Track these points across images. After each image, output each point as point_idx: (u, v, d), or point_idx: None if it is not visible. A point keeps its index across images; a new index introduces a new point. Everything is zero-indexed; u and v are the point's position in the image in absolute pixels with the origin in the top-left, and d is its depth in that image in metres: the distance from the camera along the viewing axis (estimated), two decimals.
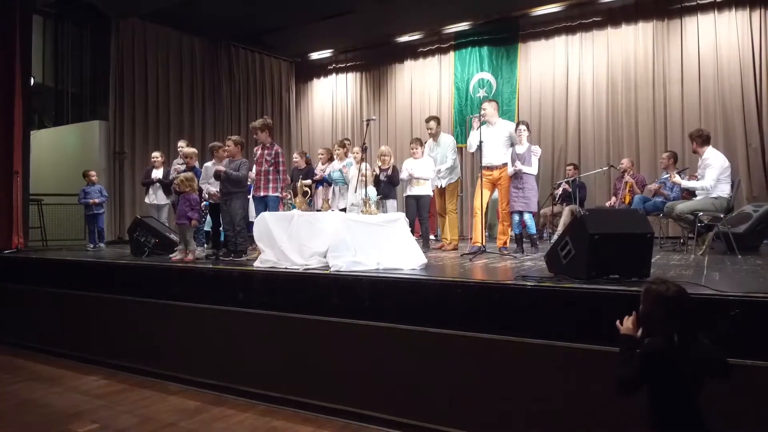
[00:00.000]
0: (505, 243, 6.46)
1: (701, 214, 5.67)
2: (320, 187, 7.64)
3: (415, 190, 6.88)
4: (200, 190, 6.21)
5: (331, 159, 7.59)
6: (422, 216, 6.83)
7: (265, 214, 5.12)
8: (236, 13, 9.97)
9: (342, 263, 4.36)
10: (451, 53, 11.13)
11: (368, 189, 5.85)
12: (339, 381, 3.91)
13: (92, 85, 10.74)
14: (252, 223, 5.45)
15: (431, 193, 6.91)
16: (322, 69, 12.98)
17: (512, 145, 6.41)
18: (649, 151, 9.13)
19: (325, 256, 4.60)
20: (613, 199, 7.94)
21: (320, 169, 7.71)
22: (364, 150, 6.43)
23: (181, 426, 3.81)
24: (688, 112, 8.90)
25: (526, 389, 3.24)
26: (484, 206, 6.42)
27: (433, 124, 7.35)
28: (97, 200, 7.93)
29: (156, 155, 7.86)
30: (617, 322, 2.28)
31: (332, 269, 4.33)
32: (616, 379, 2.14)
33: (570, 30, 9.93)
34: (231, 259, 5.66)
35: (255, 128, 5.97)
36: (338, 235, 4.59)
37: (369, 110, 11.95)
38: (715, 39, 8.70)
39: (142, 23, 10.03)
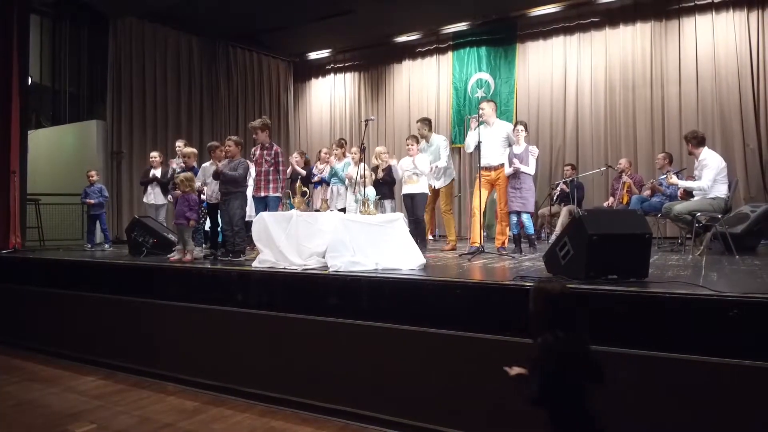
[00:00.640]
0: (503, 243, 6.46)
1: (699, 214, 5.69)
2: (319, 187, 7.64)
3: (409, 189, 6.68)
4: (200, 191, 6.21)
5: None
6: (417, 215, 6.68)
7: (264, 214, 5.12)
8: (234, 13, 9.96)
9: (340, 263, 4.36)
10: (450, 53, 11.13)
11: (367, 189, 5.85)
12: (338, 381, 3.91)
13: (90, 85, 10.74)
14: (251, 223, 5.45)
15: (427, 191, 6.77)
16: (320, 69, 12.97)
17: (510, 145, 6.41)
18: (646, 152, 9.15)
19: (323, 257, 4.59)
20: (611, 199, 7.96)
21: (318, 169, 7.70)
22: (362, 150, 6.42)
23: (180, 426, 3.80)
24: (685, 112, 8.92)
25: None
26: (483, 206, 6.42)
27: (419, 125, 7.33)
28: (93, 201, 7.91)
29: (154, 155, 7.85)
30: (505, 368, 2.33)
31: (331, 269, 4.33)
32: (527, 399, 2.22)
33: (568, 30, 9.95)
34: (229, 259, 5.65)
35: (255, 128, 5.96)
36: (337, 235, 4.59)
37: (367, 110, 11.95)
38: (713, 40, 8.72)
39: (139, 22, 10.01)
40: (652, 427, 2.89)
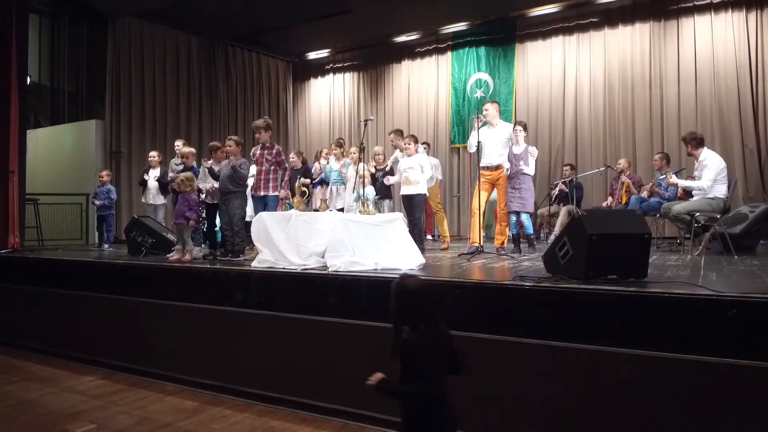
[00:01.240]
0: (502, 243, 6.47)
1: (698, 214, 5.69)
2: (318, 187, 7.64)
3: (407, 190, 6.60)
4: (199, 190, 6.20)
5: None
6: (414, 216, 6.64)
7: (263, 214, 5.12)
8: (233, 12, 9.95)
9: (340, 263, 4.36)
10: (449, 53, 11.13)
11: (366, 189, 5.85)
12: (337, 381, 3.91)
13: (89, 84, 10.72)
14: (250, 222, 5.45)
15: (425, 192, 6.74)
16: (319, 69, 12.97)
17: (510, 145, 6.42)
18: (645, 152, 9.15)
19: (323, 256, 4.60)
20: (610, 199, 7.97)
21: (317, 168, 7.70)
22: (361, 150, 6.43)
23: (179, 426, 3.80)
24: (684, 112, 8.93)
25: (524, 390, 3.24)
26: (482, 206, 6.42)
27: (392, 137, 7.27)
28: (97, 202, 7.94)
29: (153, 155, 7.85)
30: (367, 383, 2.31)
31: (330, 269, 4.33)
32: (414, 397, 2.24)
33: (567, 30, 9.96)
34: (228, 259, 5.65)
35: (258, 127, 5.94)
36: (336, 235, 4.59)
37: (366, 110, 11.95)
38: (712, 40, 8.74)
39: (138, 22, 10.00)
40: (651, 427, 2.89)
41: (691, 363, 2.80)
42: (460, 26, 10.86)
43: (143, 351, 5.01)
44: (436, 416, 2.24)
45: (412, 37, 11.43)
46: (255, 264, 4.85)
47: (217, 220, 6.33)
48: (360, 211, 5.19)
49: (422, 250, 6.00)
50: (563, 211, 8.13)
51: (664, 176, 6.76)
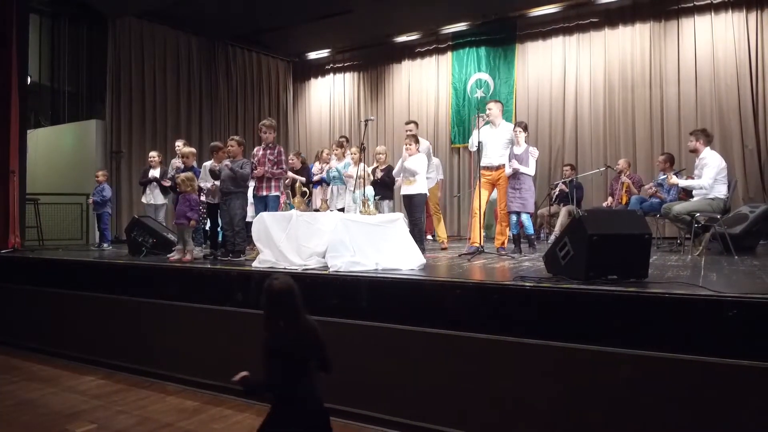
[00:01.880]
0: (503, 243, 6.47)
1: (698, 215, 5.70)
2: (318, 187, 7.64)
3: (407, 190, 6.57)
4: (200, 190, 6.20)
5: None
6: (414, 216, 6.64)
7: (264, 215, 5.12)
8: (233, 12, 9.95)
9: (341, 263, 4.37)
10: (449, 53, 11.13)
11: (366, 189, 5.85)
12: (337, 381, 3.90)
13: (89, 84, 10.72)
14: (251, 223, 5.45)
15: (425, 192, 6.72)
16: (319, 69, 12.97)
17: (511, 146, 6.42)
18: (645, 152, 9.16)
19: (323, 257, 4.60)
20: (610, 199, 7.97)
21: (318, 168, 7.69)
22: (362, 150, 6.42)
23: (180, 426, 3.80)
24: (684, 113, 8.94)
25: (525, 390, 3.25)
26: (483, 206, 6.43)
27: (412, 126, 7.38)
28: (91, 199, 8.00)
29: (153, 155, 7.85)
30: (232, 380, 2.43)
31: (331, 269, 4.33)
32: (253, 388, 2.46)
33: (567, 31, 9.96)
34: (229, 259, 5.65)
35: (267, 127, 5.92)
36: (337, 236, 4.59)
37: (366, 110, 11.95)
38: (712, 40, 8.74)
39: (138, 22, 10.00)
40: (651, 428, 2.89)
41: (691, 363, 2.80)
42: (461, 26, 10.86)
43: (144, 351, 5.01)
44: (297, 407, 2.38)
45: (413, 37, 11.42)
46: (256, 264, 4.85)
47: (219, 220, 6.33)
48: (360, 212, 5.19)
49: (423, 250, 6.01)
50: (563, 211, 8.13)
51: (665, 177, 6.76)
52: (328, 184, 7.36)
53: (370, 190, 6.13)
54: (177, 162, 7.35)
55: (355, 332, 3.87)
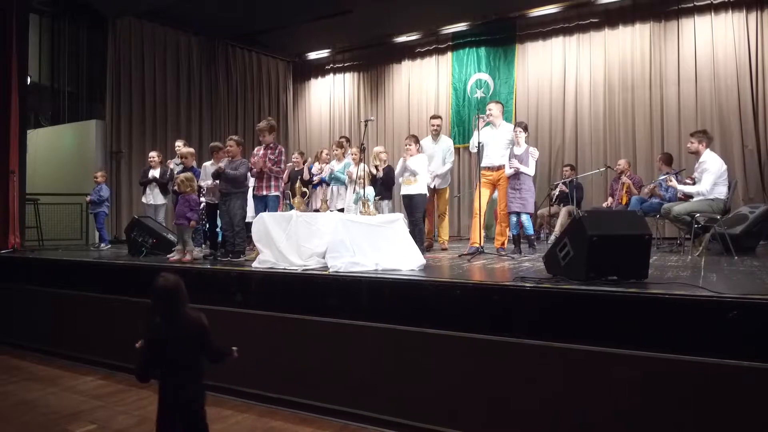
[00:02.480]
0: (502, 244, 6.47)
1: (698, 215, 5.69)
2: (318, 188, 7.63)
3: (407, 190, 6.55)
4: (200, 189, 6.20)
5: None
6: (414, 216, 6.54)
7: (264, 215, 5.12)
8: (233, 13, 9.95)
9: (340, 264, 4.37)
10: (449, 54, 11.13)
11: (366, 189, 5.85)
12: (337, 382, 3.91)
13: (89, 84, 10.72)
14: (250, 223, 5.45)
15: (425, 192, 6.71)
16: (319, 69, 12.97)
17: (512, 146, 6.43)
18: (645, 152, 9.16)
19: (323, 257, 4.60)
20: (610, 200, 7.97)
21: (317, 168, 7.68)
22: (362, 150, 6.42)
23: None
24: (684, 113, 8.93)
25: (524, 390, 3.25)
26: (483, 207, 6.43)
27: (440, 122, 7.44)
28: (88, 198, 8.04)
29: (153, 155, 7.84)
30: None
31: (331, 270, 4.33)
32: (136, 373, 2.67)
33: (567, 31, 9.95)
34: (229, 259, 5.65)
35: (262, 130, 5.94)
36: (337, 236, 4.59)
37: (366, 110, 11.95)
38: (712, 40, 8.74)
39: (138, 22, 9.99)
40: (651, 428, 2.89)
41: (691, 364, 2.80)
42: (460, 26, 10.85)
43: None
44: (172, 398, 2.58)
45: (412, 37, 11.42)
46: (255, 264, 4.85)
47: (218, 221, 6.33)
48: (360, 212, 5.19)
49: (422, 250, 6.01)
50: (563, 211, 8.13)
51: (665, 177, 6.76)
52: (328, 185, 7.36)
53: (370, 191, 6.13)
54: (172, 164, 7.35)
55: (355, 333, 3.87)
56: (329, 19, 10.22)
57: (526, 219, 6.40)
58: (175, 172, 6.90)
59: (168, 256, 5.91)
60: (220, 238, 6.26)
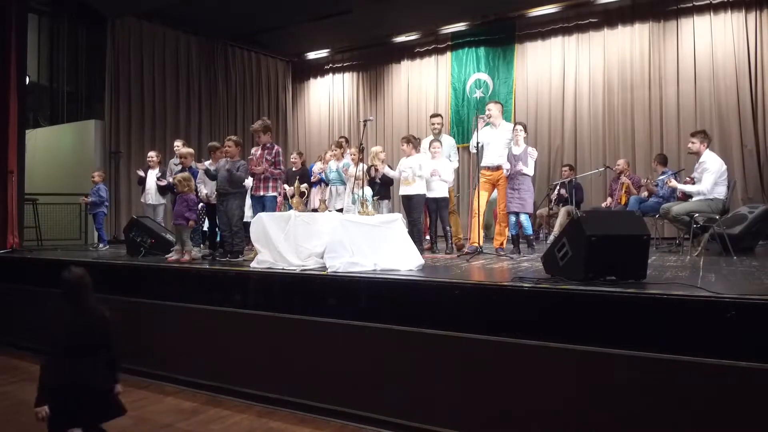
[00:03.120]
0: (501, 244, 6.47)
1: (697, 215, 5.69)
2: (317, 188, 7.63)
3: (406, 190, 6.52)
4: (197, 189, 6.19)
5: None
6: (413, 217, 6.52)
7: (262, 215, 5.12)
8: (232, 12, 9.95)
9: (339, 264, 4.36)
10: (448, 54, 11.13)
11: (365, 189, 5.85)
12: (336, 382, 3.91)
13: (88, 84, 10.70)
14: (249, 223, 5.44)
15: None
16: (318, 69, 12.97)
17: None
18: (644, 152, 9.16)
19: (322, 257, 4.59)
20: (609, 200, 7.97)
21: (319, 168, 7.66)
22: (361, 150, 6.41)
23: (178, 427, 3.80)
24: (683, 113, 8.94)
25: (523, 390, 3.24)
26: (483, 207, 6.42)
27: (440, 120, 7.36)
28: (86, 200, 8.02)
29: (152, 155, 7.84)
30: None
31: (329, 270, 4.33)
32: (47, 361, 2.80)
33: (566, 31, 9.96)
34: (227, 259, 5.65)
35: (256, 131, 5.94)
36: (335, 236, 4.59)
37: (366, 110, 11.95)
38: (711, 40, 8.74)
39: (137, 22, 9.99)
40: (649, 429, 2.89)
41: (689, 364, 2.80)
42: (460, 26, 10.86)
43: (142, 351, 4.99)
44: (74, 385, 2.74)
45: (412, 37, 11.42)
46: (254, 265, 4.84)
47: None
48: (359, 212, 5.18)
49: (421, 250, 6.01)
50: (562, 211, 8.13)
51: (663, 177, 6.76)
52: (327, 185, 7.36)
53: (368, 191, 6.13)
54: (172, 164, 7.35)
55: (353, 333, 3.87)
56: (328, 19, 10.22)
57: (525, 219, 6.40)
58: (173, 172, 6.89)
59: (166, 256, 5.90)
60: (218, 238, 6.25)
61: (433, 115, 7.60)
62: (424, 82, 11.43)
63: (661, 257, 5.71)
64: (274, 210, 5.70)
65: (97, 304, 2.99)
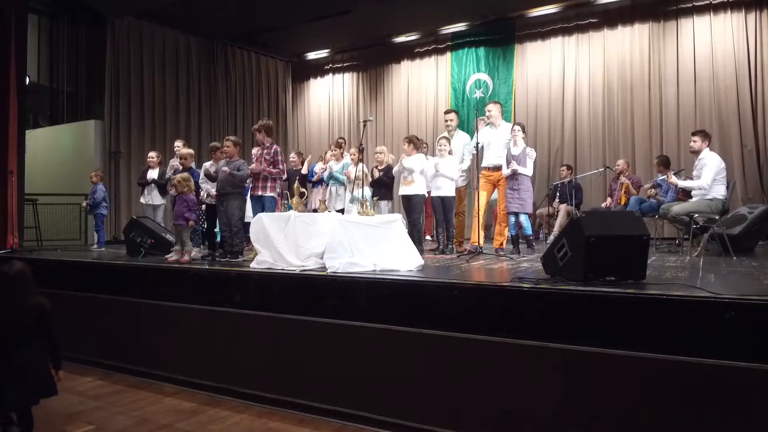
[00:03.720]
0: (501, 244, 6.47)
1: (696, 215, 5.70)
2: (317, 188, 7.63)
3: (405, 190, 6.46)
4: (198, 188, 6.18)
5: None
6: (413, 217, 6.49)
7: (262, 215, 5.12)
8: (232, 13, 9.95)
9: (339, 264, 4.36)
10: (448, 54, 11.13)
11: (365, 190, 5.85)
12: (336, 382, 3.91)
13: (87, 84, 10.70)
14: (248, 223, 5.44)
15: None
16: (318, 69, 12.97)
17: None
18: (644, 153, 9.16)
19: (321, 257, 4.59)
20: (609, 200, 7.97)
21: (320, 168, 7.65)
22: (361, 151, 6.41)
23: (177, 427, 3.80)
24: (683, 113, 8.94)
25: (522, 391, 3.24)
26: (483, 207, 6.42)
27: (453, 116, 7.12)
28: (85, 202, 8.01)
29: (152, 155, 7.84)
30: None
31: (329, 270, 4.33)
32: None
33: (566, 31, 9.96)
34: (227, 260, 5.65)
35: (256, 130, 5.95)
36: (335, 236, 4.58)
37: (366, 111, 11.95)
38: (711, 41, 8.74)
39: (137, 22, 9.99)
40: (649, 429, 2.89)
41: (689, 365, 2.80)
42: (460, 26, 10.86)
43: (142, 352, 5.00)
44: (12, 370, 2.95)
45: (412, 37, 11.42)
46: (254, 265, 4.84)
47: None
48: (359, 212, 5.19)
49: (421, 251, 6.01)
50: (562, 211, 8.14)
51: (663, 177, 6.76)
52: (327, 185, 7.35)
53: (368, 191, 6.13)
54: (174, 162, 7.35)
55: (353, 333, 3.87)
56: (328, 20, 10.21)
57: (524, 219, 6.40)
58: (173, 173, 6.88)
59: (166, 256, 5.90)
60: (218, 239, 6.25)
61: (447, 112, 7.41)
62: (424, 83, 11.43)
63: (661, 257, 5.72)
64: (274, 210, 5.70)
65: (36, 295, 3.22)
